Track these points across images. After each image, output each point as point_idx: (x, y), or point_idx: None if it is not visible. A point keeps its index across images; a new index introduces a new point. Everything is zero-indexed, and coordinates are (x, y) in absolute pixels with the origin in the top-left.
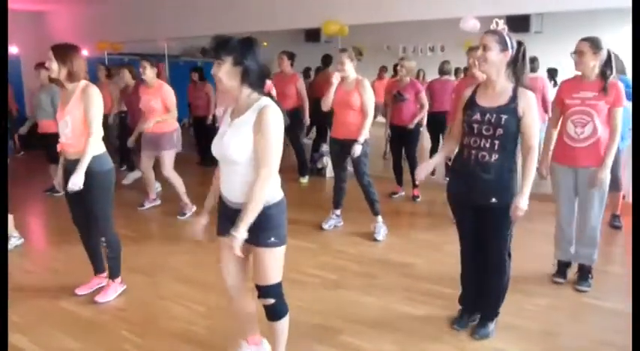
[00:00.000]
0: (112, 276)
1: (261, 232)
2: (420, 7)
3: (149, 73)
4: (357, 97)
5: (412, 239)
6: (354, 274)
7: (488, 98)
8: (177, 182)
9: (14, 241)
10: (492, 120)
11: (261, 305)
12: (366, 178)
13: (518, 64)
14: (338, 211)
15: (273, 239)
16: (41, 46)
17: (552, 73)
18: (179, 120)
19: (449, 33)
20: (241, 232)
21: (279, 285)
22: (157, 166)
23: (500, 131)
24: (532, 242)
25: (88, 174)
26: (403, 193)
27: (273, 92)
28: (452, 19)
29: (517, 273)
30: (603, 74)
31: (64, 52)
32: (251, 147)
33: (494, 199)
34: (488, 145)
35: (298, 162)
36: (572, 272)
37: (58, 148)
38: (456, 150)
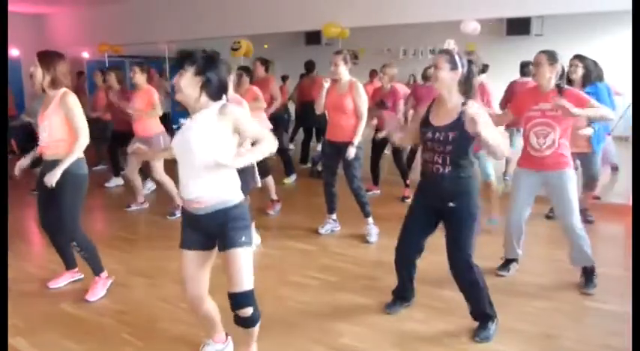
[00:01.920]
0: (96, 273)
1: (231, 233)
2: (420, 9)
3: (139, 77)
4: (350, 100)
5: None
6: (354, 277)
7: (439, 117)
8: (169, 184)
9: None
10: (441, 138)
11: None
12: (356, 182)
13: (467, 82)
14: (334, 216)
15: (244, 239)
16: (42, 48)
17: None
18: (177, 121)
19: (449, 36)
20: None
21: (252, 292)
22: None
23: (449, 148)
24: (530, 245)
25: (63, 174)
26: (378, 192)
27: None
28: (452, 22)
29: (517, 276)
30: (558, 86)
31: (48, 59)
32: (213, 139)
33: (451, 204)
34: (440, 160)
35: (283, 163)
36: (577, 276)
37: (38, 150)
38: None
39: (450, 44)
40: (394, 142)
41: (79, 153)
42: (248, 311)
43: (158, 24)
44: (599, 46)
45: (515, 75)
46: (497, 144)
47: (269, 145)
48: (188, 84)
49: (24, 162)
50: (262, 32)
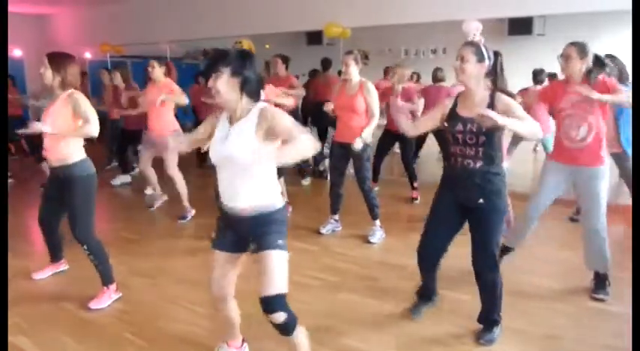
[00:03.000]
0: (105, 283)
1: (269, 236)
2: (422, 9)
3: (157, 71)
4: (362, 100)
5: (412, 241)
6: (355, 277)
7: (468, 108)
8: (180, 183)
9: None
10: (474, 129)
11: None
12: (367, 182)
13: (497, 75)
14: (336, 216)
15: (280, 242)
16: (45, 49)
17: (552, 77)
18: (182, 124)
19: (451, 36)
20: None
21: (284, 296)
22: (159, 167)
23: (482, 139)
24: (533, 246)
25: (72, 179)
26: (376, 189)
27: (276, 98)
28: (454, 22)
29: (520, 276)
30: (588, 76)
31: (59, 60)
32: (255, 148)
33: (481, 200)
34: (472, 153)
35: (298, 165)
36: (581, 278)
37: (43, 153)
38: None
39: (476, 36)
40: (400, 125)
41: (83, 136)
42: (279, 317)
43: (159, 24)
44: (602, 46)
45: (518, 75)
46: (524, 127)
47: (308, 140)
48: (226, 86)
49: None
50: (263, 32)
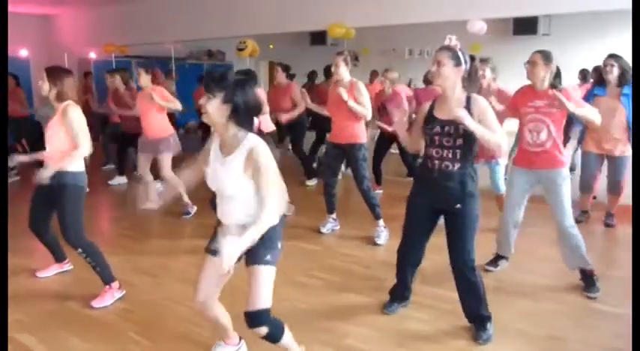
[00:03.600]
0: (106, 282)
1: (258, 251)
2: (426, 9)
3: (144, 78)
4: (352, 100)
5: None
6: (359, 277)
7: (445, 111)
8: (177, 184)
9: None
10: (452, 131)
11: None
12: (365, 182)
13: (471, 78)
14: (334, 215)
15: (269, 257)
16: (50, 49)
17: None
18: (184, 123)
19: (455, 36)
20: (234, 252)
21: (268, 310)
22: (156, 168)
23: (460, 141)
24: (534, 246)
25: (63, 186)
26: (381, 191)
27: (268, 125)
28: (458, 22)
29: (521, 277)
30: (553, 86)
31: (55, 74)
32: (245, 183)
33: (458, 205)
34: (450, 155)
35: (304, 167)
36: (573, 277)
37: (43, 156)
38: (420, 160)
39: (452, 40)
40: (401, 139)
41: (76, 160)
42: (262, 331)
43: (164, 24)
44: (607, 46)
45: (523, 75)
46: (489, 137)
47: (269, 217)
48: (215, 111)
49: (23, 158)
50: (268, 32)
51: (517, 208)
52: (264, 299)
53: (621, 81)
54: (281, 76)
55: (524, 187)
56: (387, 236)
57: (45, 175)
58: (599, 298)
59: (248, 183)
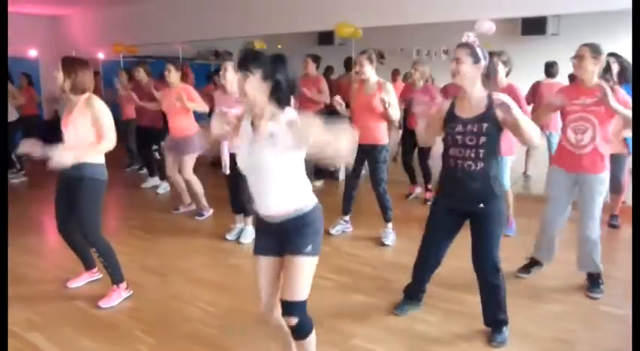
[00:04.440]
0: (115, 282)
1: (299, 239)
2: (434, 9)
3: (173, 75)
4: (380, 100)
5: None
6: (367, 278)
7: (466, 109)
8: (197, 184)
9: None
10: (474, 129)
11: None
12: (382, 185)
13: (490, 75)
14: (347, 217)
15: (309, 248)
16: (60, 49)
17: (572, 78)
18: (200, 120)
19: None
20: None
21: (304, 303)
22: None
23: (483, 139)
24: None
25: (81, 179)
26: (420, 190)
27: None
28: (467, 22)
29: (530, 279)
30: (604, 79)
31: (70, 64)
32: (285, 155)
33: (481, 205)
34: (473, 155)
35: (314, 166)
36: (582, 278)
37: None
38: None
39: (471, 37)
40: (417, 128)
41: (100, 152)
42: (292, 321)
43: (173, 24)
44: (618, 46)
45: (532, 75)
46: (530, 128)
47: (347, 140)
48: (256, 89)
49: (38, 154)
50: (275, 32)
51: (561, 210)
52: (301, 291)
53: (621, 79)
54: (311, 67)
55: (568, 190)
56: (394, 238)
57: (63, 158)
58: (607, 301)
59: (288, 156)
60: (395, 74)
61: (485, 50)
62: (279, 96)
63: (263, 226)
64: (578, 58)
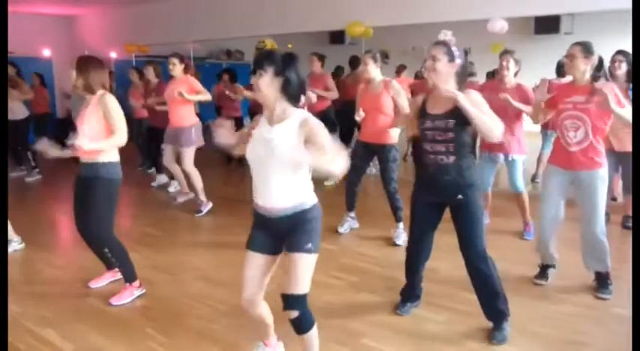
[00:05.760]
0: (127, 280)
1: (299, 236)
2: (446, 8)
3: (177, 68)
4: (387, 99)
5: (434, 243)
6: (376, 277)
7: (437, 106)
8: (196, 178)
9: (15, 245)
10: (442, 125)
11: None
12: (393, 184)
13: (463, 74)
14: (352, 213)
15: (310, 245)
16: (72, 48)
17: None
18: (204, 120)
19: (475, 35)
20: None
21: (304, 297)
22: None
23: (450, 135)
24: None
25: (95, 179)
26: None
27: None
28: (479, 21)
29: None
30: (594, 79)
31: (83, 63)
32: (294, 150)
33: (459, 196)
34: (444, 149)
35: None
36: (590, 279)
37: (72, 152)
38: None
39: (447, 35)
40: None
41: (113, 146)
42: (293, 314)
43: (185, 24)
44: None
45: (545, 75)
46: (483, 121)
47: (341, 163)
48: (268, 85)
49: (56, 153)
50: (286, 32)
51: (553, 212)
52: (302, 285)
53: (629, 77)
54: (317, 65)
55: (561, 188)
56: (405, 238)
57: (81, 143)
58: (618, 302)
59: (296, 151)
60: (399, 70)
61: (461, 50)
62: (289, 92)
63: (262, 222)
64: (570, 57)
